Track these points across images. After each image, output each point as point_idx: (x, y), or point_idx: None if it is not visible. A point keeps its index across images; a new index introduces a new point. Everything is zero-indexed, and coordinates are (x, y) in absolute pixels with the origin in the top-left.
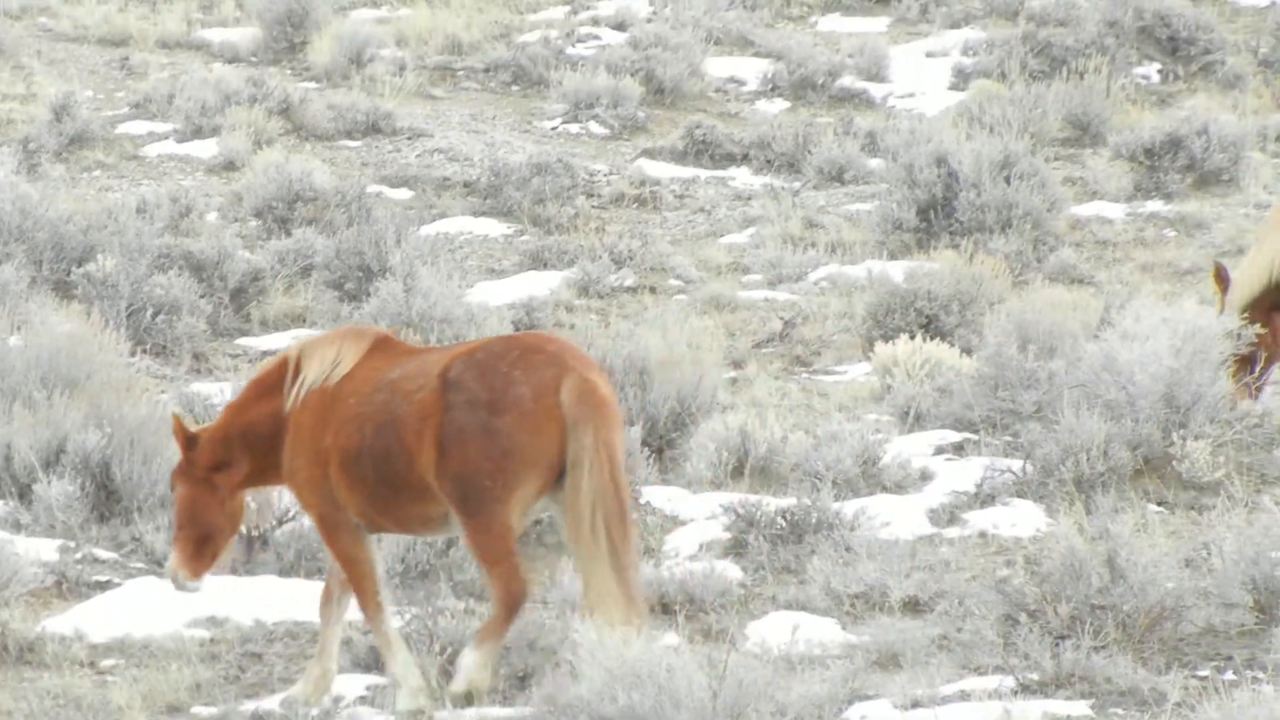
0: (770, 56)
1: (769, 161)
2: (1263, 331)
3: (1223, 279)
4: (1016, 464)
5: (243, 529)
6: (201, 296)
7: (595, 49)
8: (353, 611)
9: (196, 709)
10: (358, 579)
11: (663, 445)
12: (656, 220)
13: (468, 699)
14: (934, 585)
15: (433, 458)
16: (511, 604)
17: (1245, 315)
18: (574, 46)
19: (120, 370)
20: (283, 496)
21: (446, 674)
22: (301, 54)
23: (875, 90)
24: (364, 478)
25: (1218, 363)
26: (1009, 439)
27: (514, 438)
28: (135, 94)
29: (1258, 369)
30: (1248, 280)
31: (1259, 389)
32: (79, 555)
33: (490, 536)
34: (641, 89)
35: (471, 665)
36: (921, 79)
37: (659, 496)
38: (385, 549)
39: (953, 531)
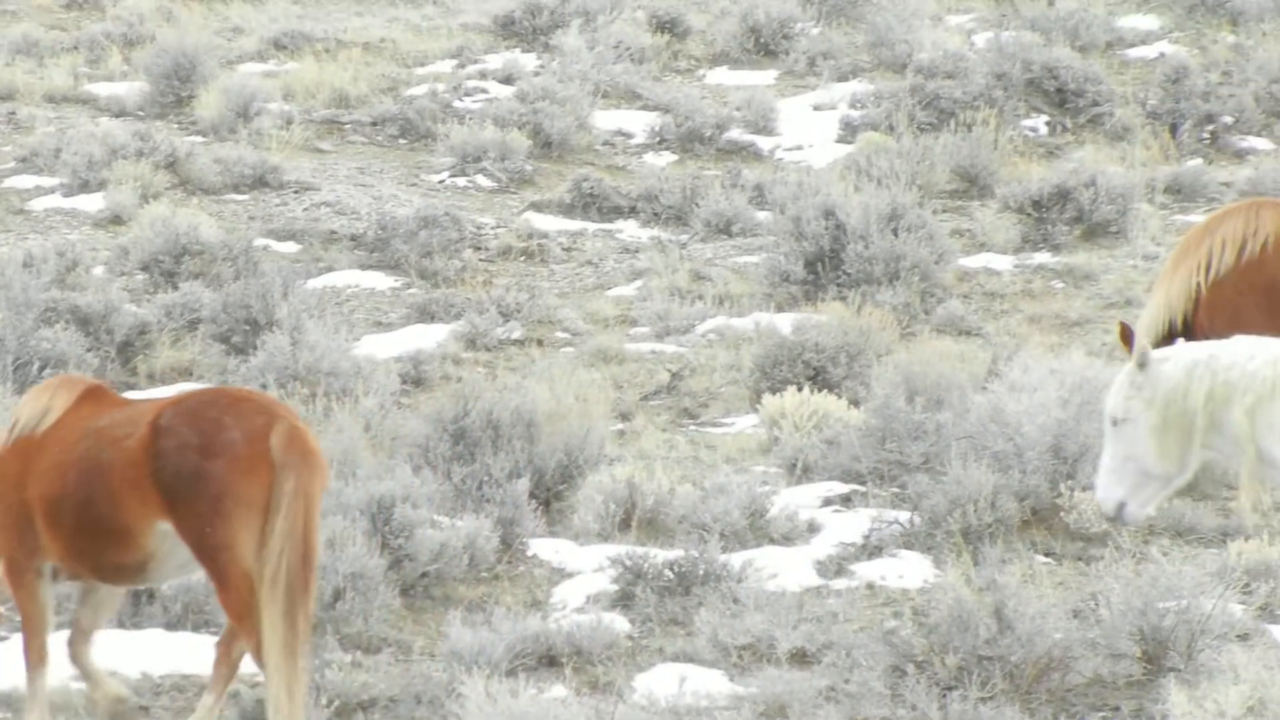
0: (658, 109)
1: (656, 214)
2: None
3: (1128, 338)
4: (904, 515)
5: None
6: (88, 350)
7: (483, 102)
8: (243, 665)
9: None
10: (32, 628)
11: (550, 498)
12: (544, 273)
13: None
14: (821, 636)
15: (151, 507)
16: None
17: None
18: (461, 100)
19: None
20: None
21: None
22: (188, 107)
23: (763, 143)
24: (63, 524)
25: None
26: (896, 490)
27: (226, 481)
28: (21, 148)
29: None
30: (1157, 320)
31: None
32: None
33: (230, 591)
34: (529, 142)
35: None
36: (809, 131)
37: (546, 549)
38: None
39: (840, 583)
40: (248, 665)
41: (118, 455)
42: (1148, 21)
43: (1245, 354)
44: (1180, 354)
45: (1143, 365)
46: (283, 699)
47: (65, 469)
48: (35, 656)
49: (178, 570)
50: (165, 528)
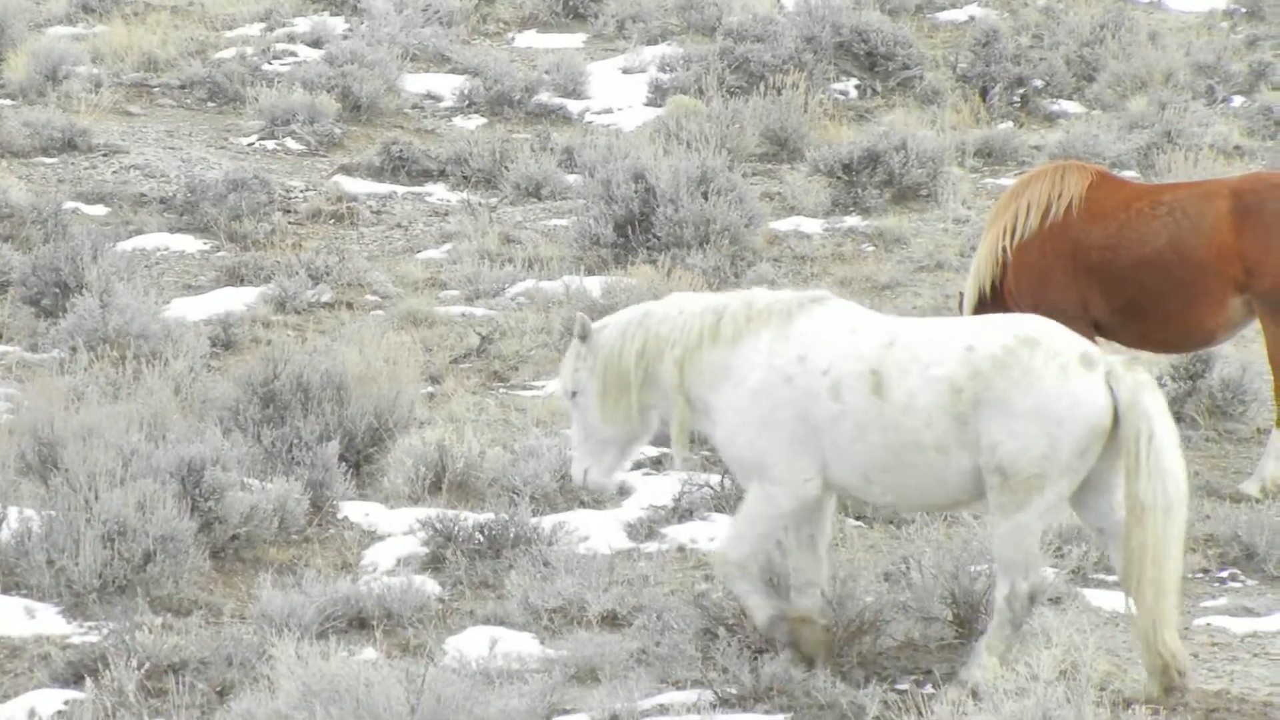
0: (467, 73)
1: (466, 177)
2: None
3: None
4: (714, 479)
5: None
6: None
7: (291, 65)
8: (50, 626)
9: None
10: None
11: (360, 460)
12: (354, 236)
13: None
14: (632, 599)
15: None
16: None
17: None
18: (270, 63)
19: None
20: None
21: (145, 689)
22: None
23: (573, 106)
24: None
25: None
26: (707, 454)
27: None
28: None
29: None
30: (972, 287)
31: None
32: None
33: None
34: (338, 105)
35: None
36: (619, 95)
37: (356, 511)
38: (83, 563)
39: (651, 546)
40: (51, 626)
41: None
42: None
43: (675, 309)
44: (617, 318)
45: (584, 337)
46: None
47: None
48: None
49: None
50: None
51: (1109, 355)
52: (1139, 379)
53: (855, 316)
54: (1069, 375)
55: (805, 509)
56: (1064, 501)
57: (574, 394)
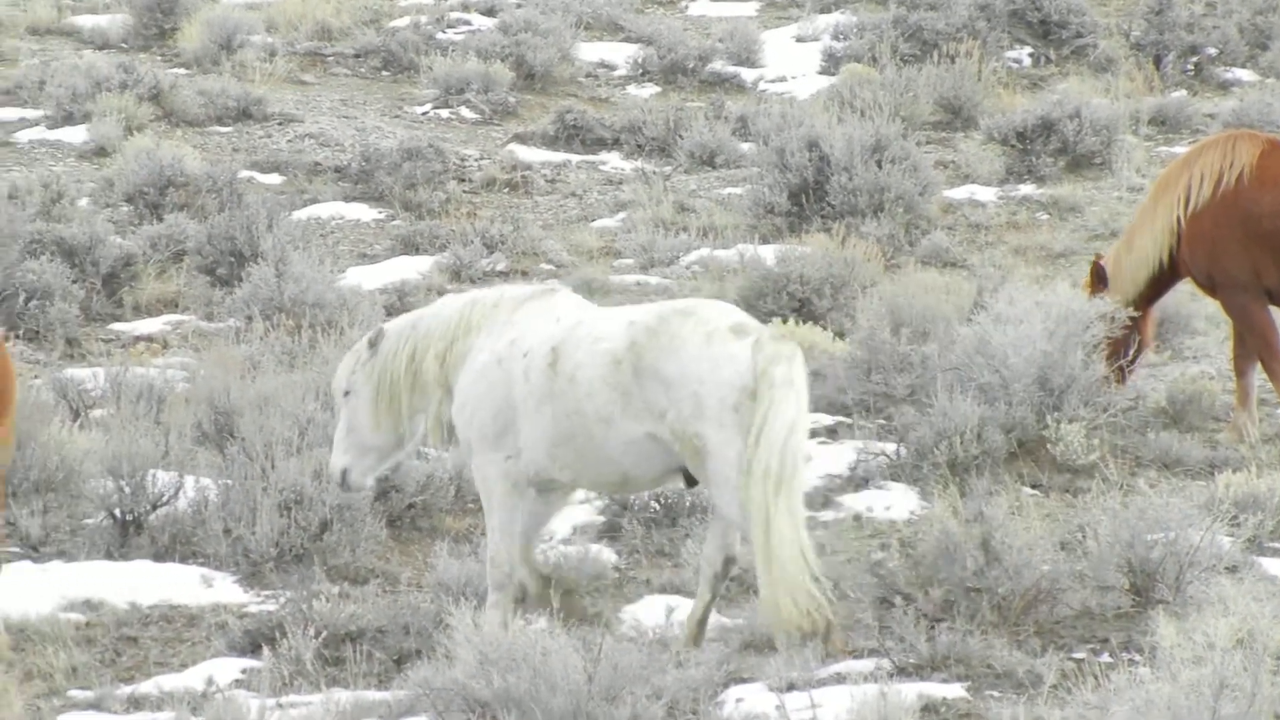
0: (640, 41)
1: (640, 146)
2: (1136, 315)
3: (1100, 278)
4: (890, 447)
5: None
6: (74, 282)
7: (465, 34)
8: (228, 595)
9: (73, 692)
10: None
11: None
12: (528, 205)
13: None
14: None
15: None
16: None
17: (1129, 303)
18: (444, 32)
19: None
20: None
21: (322, 657)
22: (171, 40)
23: (746, 74)
24: None
25: (1091, 346)
26: (883, 422)
27: None
28: (5, 80)
29: (1131, 353)
30: (1133, 273)
31: (1130, 373)
32: None
33: None
34: (512, 74)
35: None
36: (792, 63)
37: None
38: (259, 532)
39: (827, 515)
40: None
41: None
42: None
43: (440, 308)
44: (394, 325)
45: (373, 344)
46: None
47: None
48: None
49: None
50: None
51: (767, 328)
52: (779, 350)
53: (567, 307)
54: (713, 341)
55: (517, 490)
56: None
57: (346, 393)
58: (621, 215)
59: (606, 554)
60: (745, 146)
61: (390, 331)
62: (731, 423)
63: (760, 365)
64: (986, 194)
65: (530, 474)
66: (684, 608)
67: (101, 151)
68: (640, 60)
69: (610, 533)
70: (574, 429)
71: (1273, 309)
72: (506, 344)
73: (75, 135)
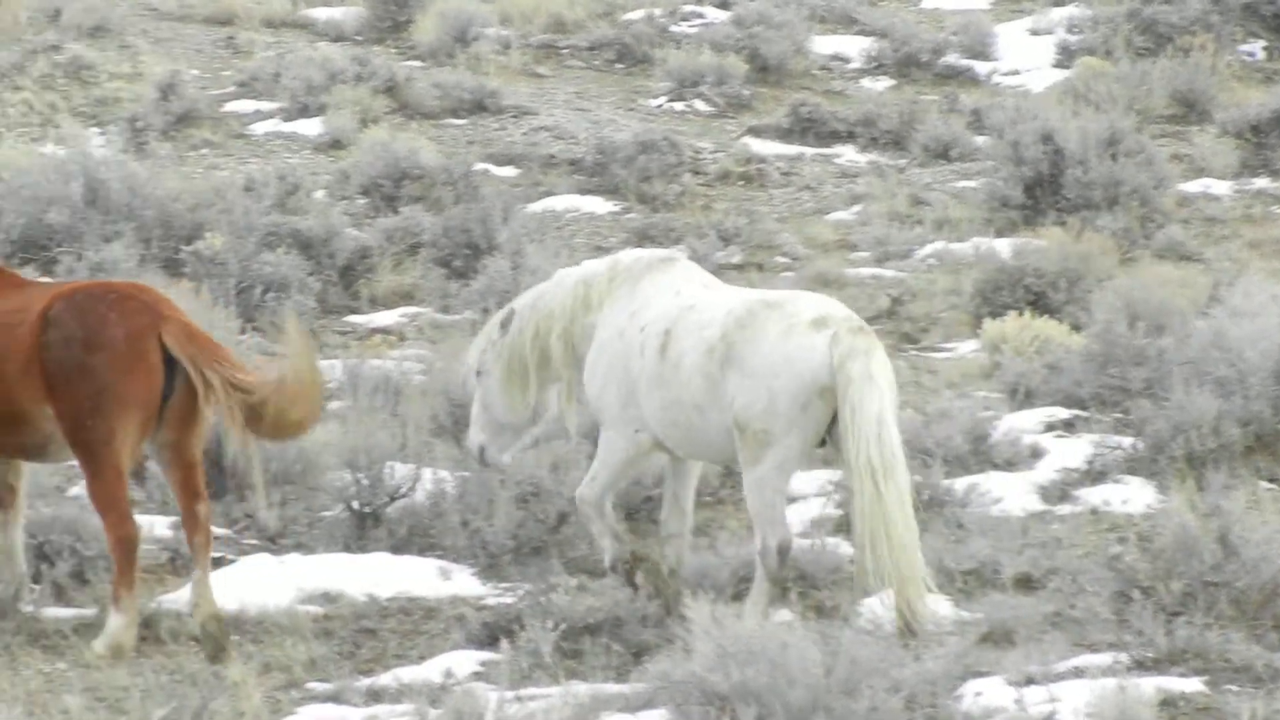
0: (874, 34)
1: (874, 139)
2: None
3: None
4: (1127, 441)
5: None
6: (310, 274)
7: (699, 27)
8: (465, 587)
9: (311, 685)
10: None
11: None
12: (763, 198)
13: (115, 657)
14: (1046, 562)
15: (38, 393)
16: (124, 550)
17: None
18: (678, 24)
19: (231, 348)
20: (393, 473)
21: (560, 650)
22: (406, 32)
23: (980, 67)
24: None
25: None
26: (1119, 416)
27: (107, 377)
28: (241, 73)
29: None
30: None
31: None
32: None
33: (101, 483)
34: (746, 67)
35: (114, 627)
36: (1026, 56)
37: None
38: (497, 524)
39: (1064, 508)
40: (468, 587)
41: (9, 342)
42: None
43: (559, 284)
44: (521, 302)
45: (505, 325)
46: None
47: None
48: None
49: None
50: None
51: (845, 321)
52: (854, 344)
53: (687, 281)
54: (792, 334)
55: (641, 458)
56: (799, 458)
57: (479, 373)
58: (856, 208)
59: (844, 547)
60: (979, 140)
61: (518, 310)
62: (799, 423)
63: (837, 360)
64: (1221, 188)
65: (656, 444)
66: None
67: (337, 144)
68: (874, 53)
69: (846, 526)
70: (676, 416)
71: None
72: (627, 316)
73: (310, 128)
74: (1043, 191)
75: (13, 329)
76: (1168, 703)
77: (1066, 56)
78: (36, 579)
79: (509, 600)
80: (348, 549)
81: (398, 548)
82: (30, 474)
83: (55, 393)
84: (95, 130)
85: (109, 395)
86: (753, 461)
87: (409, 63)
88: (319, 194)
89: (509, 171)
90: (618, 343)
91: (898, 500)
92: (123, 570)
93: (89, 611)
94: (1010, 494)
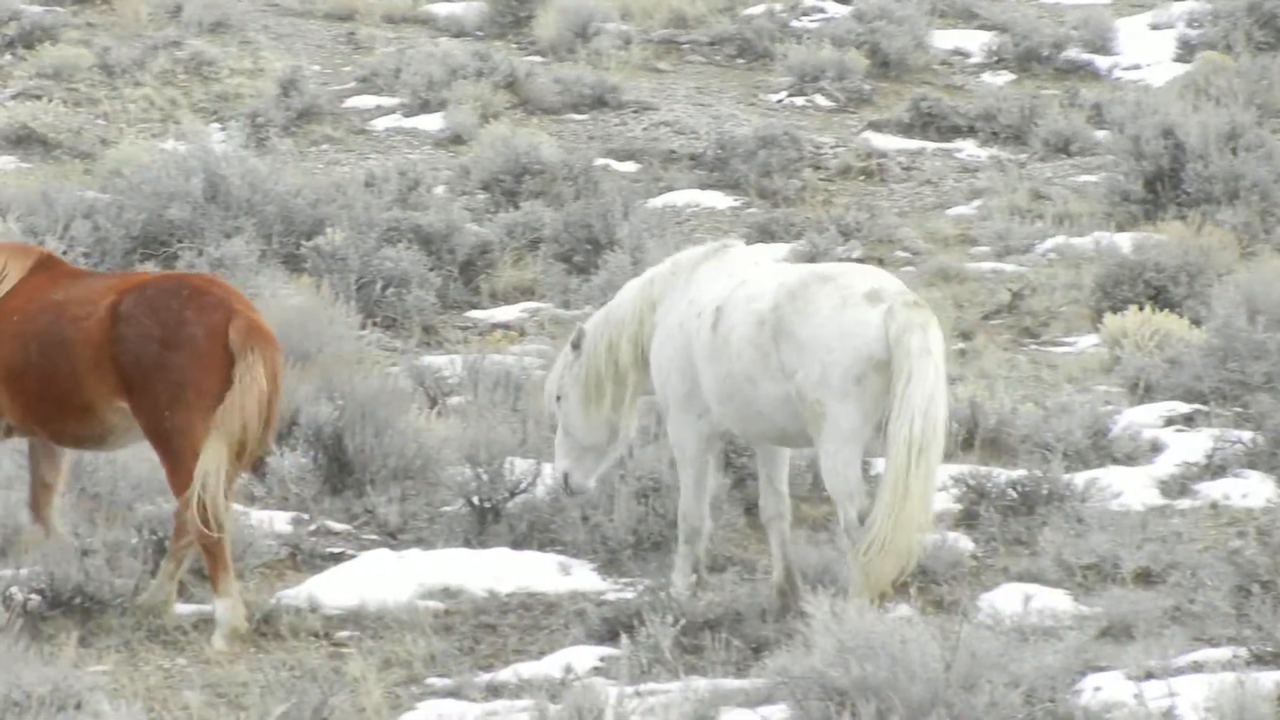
0: (994, 29)
1: (995, 133)
2: None
3: None
4: (1247, 435)
5: None
6: (431, 269)
7: (820, 22)
8: (585, 582)
9: (431, 680)
10: None
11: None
12: (883, 192)
13: (233, 643)
14: (1166, 556)
15: (110, 388)
16: (208, 538)
17: None
18: (798, 19)
19: (351, 343)
20: (513, 468)
21: (680, 645)
22: (526, 28)
23: (1100, 62)
24: (27, 391)
25: None
26: (1239, 410)
27: (187, 373)
28: (362, 68)
29: None
30: None
31: None
32: (312, 527)
33: (182, 474)
34: (866, 62)
35: (222, 614)
36: (1147, 50)
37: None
38: (617, 519)
39: (1184, 503)
40: (587, 582)
41: (78, 335)
42: None
43: (625, 294)
44: (592, 322)
45: (576, 345)
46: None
47: (28, 339)
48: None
49: (133, 442)
50: (123, 406)
51: (899, 294)
52: (911, 318)
53: (740, 263)
54: (846, 307)
55: (711, 444)
56: (862, 430)
57: (559, 399)
58: (977, 203)
59: (964, 542)
60: (1100, 134)
61: (588, 330)
62: (853, 394)
63: (894, 334)
64: None
65: (721, 430)
66: (1040, 595)
67: (457, 139)
68: (995, 48)
69: (967, 520)
70: (729, 390)
71: None
72: (686, 304)
73: (431, 123)
74: (1163, 186)
75: (78, 321)
76: None
77: (1187, 51)
78: (153, 574)
79: (629, 595)
80: (468, 544)
81: (518, 543)
82: (65, 475)
83: (132, 388)
84: (216, 126)
85: (189, 389)
86: (817, 434)
87: (529, 58)
88: (439, 189)
89: (629, 166)
90: (678, 333)
91: (925, 477)
92: (215, 557)
93: (209, 607)
94: (1130, 488)
